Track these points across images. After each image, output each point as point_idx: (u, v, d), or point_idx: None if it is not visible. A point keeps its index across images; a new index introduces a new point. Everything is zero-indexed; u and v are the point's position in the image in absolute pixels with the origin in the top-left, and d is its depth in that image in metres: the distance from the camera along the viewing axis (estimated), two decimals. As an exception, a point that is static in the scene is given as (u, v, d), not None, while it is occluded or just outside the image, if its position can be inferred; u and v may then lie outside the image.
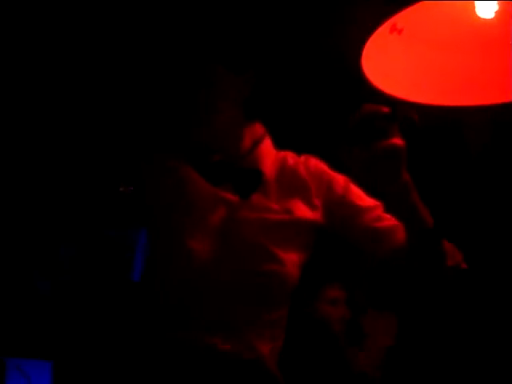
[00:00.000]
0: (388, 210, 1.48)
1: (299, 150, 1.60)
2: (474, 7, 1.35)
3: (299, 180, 1.51)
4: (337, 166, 1.55)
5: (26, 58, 2.29)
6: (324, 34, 1.81)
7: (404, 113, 1.27)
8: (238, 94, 1.49)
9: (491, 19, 1.36)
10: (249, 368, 1.36)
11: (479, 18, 1.36)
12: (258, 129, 1.55)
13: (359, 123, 1.26)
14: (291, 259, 1.43)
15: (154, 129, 1.66)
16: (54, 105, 2.38)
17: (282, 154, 1.57)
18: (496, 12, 1.35)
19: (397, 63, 1.41)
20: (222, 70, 1.47)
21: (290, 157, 1.56)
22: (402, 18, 1.29)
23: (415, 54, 1.41)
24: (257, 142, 1.52)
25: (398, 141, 1.23)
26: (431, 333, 3.05)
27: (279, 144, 1.59)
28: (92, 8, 2.08)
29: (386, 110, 1.26)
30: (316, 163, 1.56)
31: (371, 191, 1.49)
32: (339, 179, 1.52)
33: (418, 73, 1.42)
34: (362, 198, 1.51)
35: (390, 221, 1.47)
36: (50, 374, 2.72)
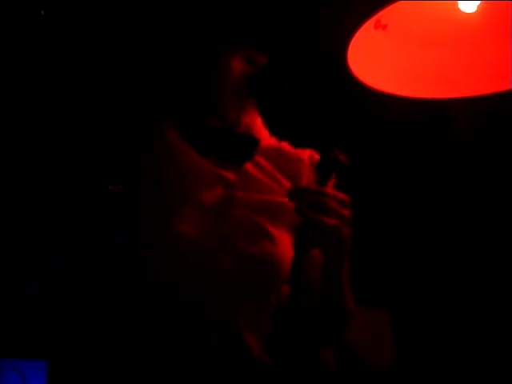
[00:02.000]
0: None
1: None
2: (456, 2, 1.38)
3: (294, 169, 1.51)
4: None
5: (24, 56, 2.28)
6: (309, 33, 1.83)
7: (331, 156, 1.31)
8: (242, 72, 1.48)
9: (473, 13, 1.39)
10: (239, 362, 1.36)
11: (462, 12, 1.39)
12: (254, 108, 1.53)
13: None
14: (286, 241, 1.41)
15: (149, 91, 1.63)
16: (42, 106, 2.38)
17: (276, 141, 1.57)
18: (478, 6, 1.38)
19: (382, 58, 1.43)
20: (226, 44, 1.48)
21: (288, 146, 1.56)
22: (385, 14, 1.31)
23: (400, 49, 1.43)
24: (252, 119, 1.53)
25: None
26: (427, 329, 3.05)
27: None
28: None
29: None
30: None
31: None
32: None
33: (403, 67, 1.44)
34: None
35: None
36: (46, 373, 2.73)
